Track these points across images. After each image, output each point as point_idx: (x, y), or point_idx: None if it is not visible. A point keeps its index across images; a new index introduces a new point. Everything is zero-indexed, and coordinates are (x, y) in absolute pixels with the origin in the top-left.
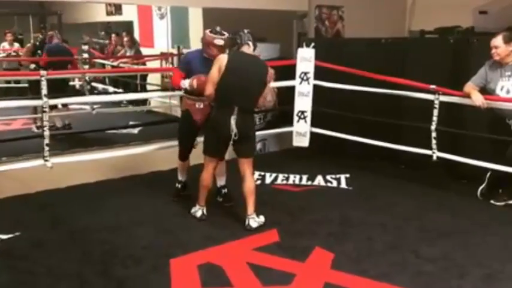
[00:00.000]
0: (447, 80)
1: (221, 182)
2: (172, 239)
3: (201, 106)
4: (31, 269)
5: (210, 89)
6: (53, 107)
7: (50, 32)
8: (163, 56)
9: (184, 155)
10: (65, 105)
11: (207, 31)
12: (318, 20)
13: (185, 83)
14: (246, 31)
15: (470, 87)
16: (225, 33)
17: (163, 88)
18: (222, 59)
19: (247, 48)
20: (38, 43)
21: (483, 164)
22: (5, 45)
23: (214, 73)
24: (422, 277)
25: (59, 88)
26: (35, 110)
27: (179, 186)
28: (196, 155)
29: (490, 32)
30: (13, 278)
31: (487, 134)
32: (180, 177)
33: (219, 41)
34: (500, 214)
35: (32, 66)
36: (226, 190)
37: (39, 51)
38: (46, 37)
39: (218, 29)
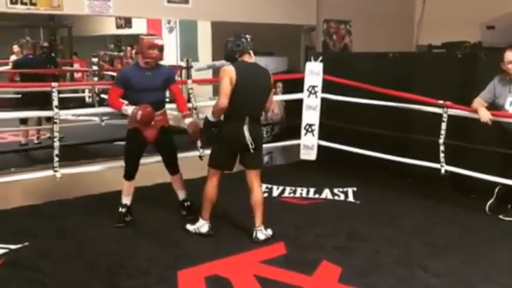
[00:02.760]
0: (455, 94)
1: (182, 195)
2: (180, 251)
3: (152, 123)
4: (39, 279)
5: (225, 102)
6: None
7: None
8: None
9: (131, 174)
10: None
11: (143, 37)
12: (326, 34)
13: (128, 110)
14: (248, 38)
15: (478, 102)
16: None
17: (171, 100)
18: (231, 71)
19: (249, 57)
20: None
21: (492, 178)
22: (14, 57)
23: (227, 86)
24: None
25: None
26: (23, 122)
27: (123, 210)
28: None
29: (498, 47)
30: (21, 287)
31: (496, 148)
32: (124, 201)
33: (159, 41)
34: (508, 229)
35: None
36: (189, 203)
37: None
38: (48, 46)
39: (152, 32)
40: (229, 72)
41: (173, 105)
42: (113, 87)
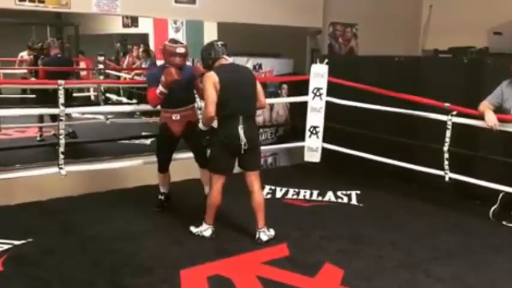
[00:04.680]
0: (460, 100)
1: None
2: (183, 250)
3: (178, 118)
4: (42, 276)
5: (212, 110)
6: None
7: (47, 41)
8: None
9: (164, 167)
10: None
11: (167, 42)
12: (332, 37)
13: (159, 88)
14: (220, 44)
15: (485, 106)
16: (183, 42)
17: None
18: (213, 77)
19: (224, 61)
20: (37, 53)
21: (496, 185)
22: (24, 55)
23: (213, 93)
24: None
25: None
26: (40, 118)
27: (162, 197)
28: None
29: (505, 53)
30: (24, 284)
31: (500, 154)
32: (162, 189)
33: (181, 49)
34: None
35: (32, 78)
36: None
37: (39, 62)
38: (44, 46)
39: (176, 39)
40: (211, 77)
41: None
42: (149, 89)
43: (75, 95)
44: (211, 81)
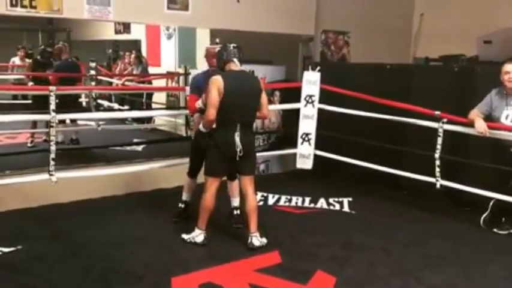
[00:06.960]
0: (451, 107)
1: (235, 203)
2: (174, 257)
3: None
4: (32, 283)
5: (213, 113)
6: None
7: (59, 45)
8: (170, 75)
9: (194, 172)
10: (73, 121)
11: (208, 46)
12: (324, 44)
13: (199, 103)
14: (232, 46)
15: (475, 114)
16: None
17: (169, 107)
18: (219, 81)
19: (234, 66)
20: (39, 57)
21: (486, 193)
22: (15, 60)
23: (215, 97)
24: None
25: (69, 105)
26: (34, 125)
27: (182, 206)
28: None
29: (494, 61)
30: None
31: (491, 162)
32: (184, 197)
33: None
34: (502, 243)
35: (30, 83)
36: (238, 211)
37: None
38: (52, 51)
39: (217, 40)
40: (216, 82)
41: (170, 112)
42: (190, 95)
43: None
44: (216, 85)
